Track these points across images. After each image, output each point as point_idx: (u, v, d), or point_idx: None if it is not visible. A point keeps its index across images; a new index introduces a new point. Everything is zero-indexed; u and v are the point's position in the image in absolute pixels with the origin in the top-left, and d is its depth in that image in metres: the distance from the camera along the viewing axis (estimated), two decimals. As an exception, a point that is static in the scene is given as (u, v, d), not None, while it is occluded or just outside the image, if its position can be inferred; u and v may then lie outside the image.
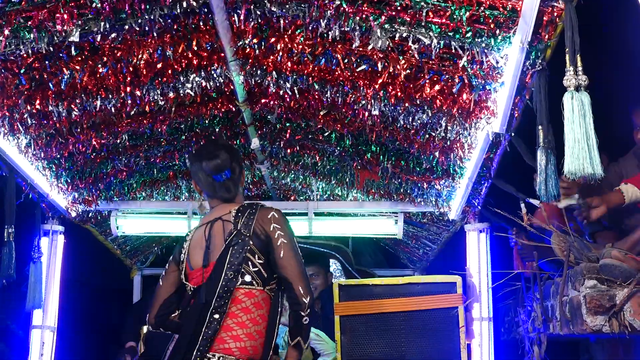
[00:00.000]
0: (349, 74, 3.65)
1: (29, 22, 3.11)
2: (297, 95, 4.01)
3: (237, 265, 3.09)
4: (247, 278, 3.11)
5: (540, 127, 3.00)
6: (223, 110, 4.43)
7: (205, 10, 3.31)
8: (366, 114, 4.04)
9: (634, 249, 3.42)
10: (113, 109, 3.93)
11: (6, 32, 3.13)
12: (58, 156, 4.49)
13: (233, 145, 4.40)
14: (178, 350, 3.11)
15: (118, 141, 4.51)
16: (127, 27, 3.25)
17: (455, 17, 2.99)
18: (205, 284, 3.12)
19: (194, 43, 3.54)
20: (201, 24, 3.44)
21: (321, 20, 3.23)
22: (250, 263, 3.11)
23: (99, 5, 3.09)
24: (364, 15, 3.15)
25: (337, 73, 3.68)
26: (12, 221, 4.42)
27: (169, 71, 3.72)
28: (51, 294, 5.24)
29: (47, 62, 3.46)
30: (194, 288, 3.20)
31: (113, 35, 3.31)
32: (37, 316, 5.14)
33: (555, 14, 2.78)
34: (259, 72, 3.86)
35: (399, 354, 4.59)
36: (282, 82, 3.90)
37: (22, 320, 5.02)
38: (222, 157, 3.21)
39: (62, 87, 3.60)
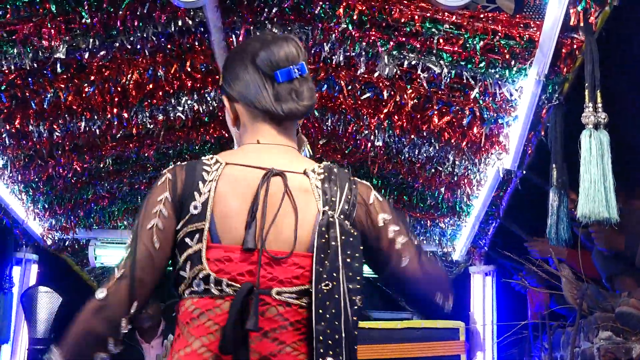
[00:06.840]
0: (352, 101, 3.68)
1: (14, 36, 3.10)
2: (296, 123, 4.02)
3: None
4: None
5: (554, 165, 3.03)
6: (215, 135, 4.45)
7: (202, 29, 3.33)
8: (369, 144, 4.05)
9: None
10: (98, 131, 3.93)
11: (-12, 46, 3.13)
12: (36, 179, 4.48)
13: None
14: None
15: (101, 165, 4.51)
16: (117, 44, 3.26)
17: (468, 45, 3.02)
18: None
19: (188, 64, 3.56)
20: (196, 44, 3.47)
21: (325, 43, 3.25)
22: None
23: (89, 20, 3.09)
24: (371, 40, 3.17)
25: (339, 100, 3.70)
26: (-17, 248, 4.41)
27: (160, 93, 3.74)
28: (21, 329, 5.20)
29: (30, 79, 3.46)
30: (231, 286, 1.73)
31: (102, 52, 3.32)
32: (4, 353, 5.10)
33: (575, 46, 2.82)
34: (255, 96, 3.86)
35: (397, 404, 4.56)
36: (279, 108, 3.90)
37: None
38: (293, 44, 1.92)
39: (45, 106, 3.60)
